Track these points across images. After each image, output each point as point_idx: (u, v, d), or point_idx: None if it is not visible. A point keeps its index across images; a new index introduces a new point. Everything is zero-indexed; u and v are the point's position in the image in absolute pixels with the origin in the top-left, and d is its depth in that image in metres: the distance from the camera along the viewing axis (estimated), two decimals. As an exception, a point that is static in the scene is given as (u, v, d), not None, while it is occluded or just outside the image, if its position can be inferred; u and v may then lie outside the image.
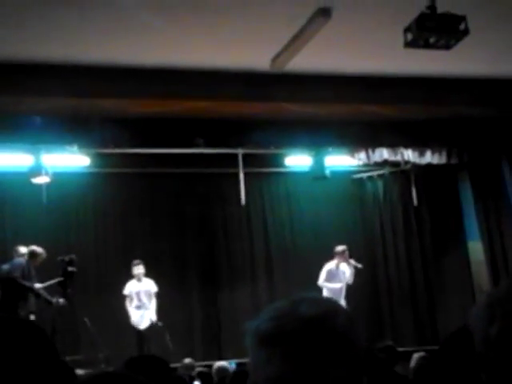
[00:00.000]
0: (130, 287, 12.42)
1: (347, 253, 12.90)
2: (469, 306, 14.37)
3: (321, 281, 12.80)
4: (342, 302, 12.21)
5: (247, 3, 8.25)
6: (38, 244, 11.43)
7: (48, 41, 8.94)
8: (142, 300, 12.32)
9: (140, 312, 12.31)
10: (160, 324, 12.28)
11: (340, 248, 12.90)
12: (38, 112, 10.48)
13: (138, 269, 12.40)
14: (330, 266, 12.87)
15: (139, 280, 12.40)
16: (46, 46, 9.10)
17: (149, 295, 12.39)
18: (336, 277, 12.80)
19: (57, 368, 1.73)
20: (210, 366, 9.12)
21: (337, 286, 12.73)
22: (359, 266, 12.86)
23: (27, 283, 10.85)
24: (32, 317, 10.73)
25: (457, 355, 2.28)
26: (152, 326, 12.30)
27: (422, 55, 8.66)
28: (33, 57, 9.35)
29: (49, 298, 10.83)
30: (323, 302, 1.44)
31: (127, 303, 12.39)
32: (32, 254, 11.18)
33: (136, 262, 12.47)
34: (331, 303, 1.45)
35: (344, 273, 12.81)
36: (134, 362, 3.29)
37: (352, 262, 12.86)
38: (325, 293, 12.53)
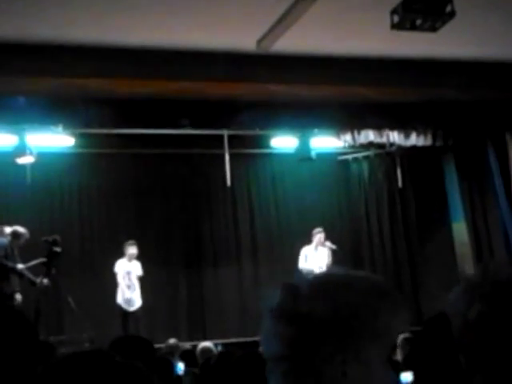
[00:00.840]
0: (121, 266, 12.34)
1: (323, 235, 13.00)
2: (453, 288, 14.43)
3: (300, 264, 12.89)
4: None
5: (233, -17, 8.22)
6: (22, 224, 11.37)
7: (33, 20, 8.86)
8: (131, 280, 12.29)
9: (131, 292, 12.27)
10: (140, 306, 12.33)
11: (315, 231, 13.00)
12: (22, 92, 10.41)
13: (133, 249, 12.36)
14: (307, 249, 12.97)
15: (130, 260, 12.37)
16: (31, 26, 9.02)
17: (136, 277, 12.37)
18: (314, 259, 12.87)
19: (35, 348, 1.73)
20: (195, 347, 9.15)
21: (315, 268, 12.79)
22: (334, 247, 12.93)
23: (10, 263, 10.81)
24: (18, 296, 10.71)
25: (436, 340, 2.30)
26: (140, 309, 12.31)
27: (408, 37, 8.66)
28: (17, 36, 9.27)
29: (32, 278, 10.79)
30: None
31: (119, 278, 12.29)
32: (15, 235, 11.11)
33: (131, 242, 12.42)
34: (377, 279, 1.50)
35: (321, 255, 12.88)
36: (119, 342, 3.30)
37: (328, 244, 12.94)
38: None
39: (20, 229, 11.19)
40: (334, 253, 12.96)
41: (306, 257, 12.93)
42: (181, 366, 7.23)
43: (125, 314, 12.23)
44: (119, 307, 12.25)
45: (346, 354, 1.36)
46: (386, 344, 1.39)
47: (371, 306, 1.38)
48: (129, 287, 12.26)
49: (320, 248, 12.97)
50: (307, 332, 1.37)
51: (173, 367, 4.56)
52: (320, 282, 1.44)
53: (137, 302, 12.28)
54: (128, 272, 12.28)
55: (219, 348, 8.95)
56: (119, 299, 12.25)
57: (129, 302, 12.23)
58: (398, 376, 4.82)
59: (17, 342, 1.73)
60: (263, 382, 1.43)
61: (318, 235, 13.00)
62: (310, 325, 1.37)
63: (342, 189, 15.21)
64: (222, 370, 3.59)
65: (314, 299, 1.39)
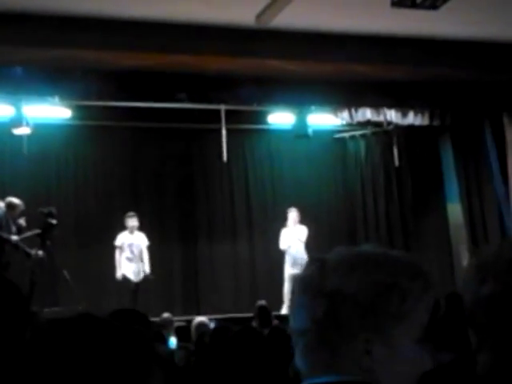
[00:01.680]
0: (123, 239, 12.34)
1: (295, 214, 13.10)
2: (446, 268, 14.59)
3: (281, 245, 13.05)
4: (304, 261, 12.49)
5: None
6: (18, 195, 11.35)
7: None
8: (134, 252, 12.28)
9: (132, 265, 12.28)
10: (151, 277, 12.34)
11: (289, 210, 13.16)
12: (19, 62, 10.35)
13: (133, 221, 12.36)
14: (285, 230, 13.10)
15: (131, 232, 12.37)
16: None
17: (140, 248, 12.38)
18: (292, 238, 12.97)
19: (24, 317, 1.73)
20: (189, 321, 9.17)
21: (293, 247, 12.91)
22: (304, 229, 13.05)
23: (4, 234, 10.79)
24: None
25: (447, 317, 2.30)
26: (145, 279, 12.33)
27: (408, 15, 8.62)
28: (17, 6, 9.20)
29: (27, 249, 10.78)
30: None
31: (117, 254, 12.31)
32: (10, 206, 11.07)
33: (131, 214, 12.42)
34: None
35: (299, 232, 12.98)
36: (115, 314, 3.30)
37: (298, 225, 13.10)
38: (287, 255, 12.84)
39: (15, 200, 11.16)
40: (313, 230, 13.03)
41: (284, 237, 13.03)
42: (173, 341, 7.27)
43: (134, 286, 12.24)
44: (123, 279, 12.23)
45: (370, 332, 1.35)
46: (415, 324, 1.38)
47: (400, 287, 1.38)
48: (130, 260, 12.26)
49: (298, 226, 13.03)
50: (331, 307, 1.36)
51: (165, 341, 4.57)
52: (349, 258, 1.43)
53: (141, 273, 12.30)
54: (130, 244, 12.28)
55: (212, 324, 8.96)
56: (122, 271, 12.23)
57: (135, 273, 12.24)
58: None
59: (5, 311, 1.72)
60: (259, 356, 1.44)
61: (290, 214, 13.08)
62: (333, 300, 1.37)
63: (338, 167, 15.21)
64: (218, 345, 3.59)
65: (340, 275, 1.39)
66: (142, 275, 12.28)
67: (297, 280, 1.46)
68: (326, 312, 1.36)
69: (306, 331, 1.39)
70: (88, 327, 1.25)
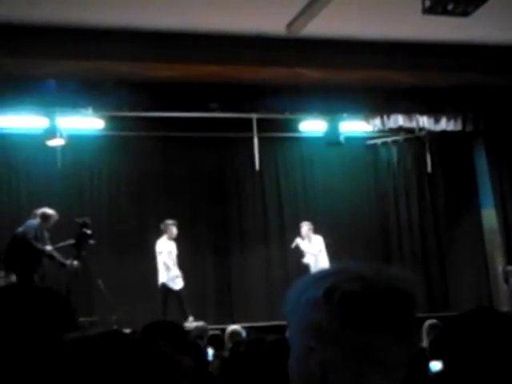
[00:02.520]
0: (163, 245, 12.42)
1: (307, 227, 13.17)
2: (481, 274, 14.48)
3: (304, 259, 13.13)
4: None
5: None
6: (52, 206, 11.44)
7: (63, 3, 8.90)
8: (174, 259, 12.38)
9: (174, 271, 12.36)
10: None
11: (301, 224, 13.27)
12: (53, 75, 10.47)
13: (175, 229, 12.46)
14: (300, 241, 13.18)
15: (170, 239, 12.46)
16: (61, 9, 9.06)
17: (175, 256, 12.46)
18: (308, 249, 13.08)
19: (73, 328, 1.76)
20: (222, 330, 9.18)
21: (311, 258, 12.99)
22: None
23: (39, 245, 10.88)
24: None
25: (475, 332, 2.29)
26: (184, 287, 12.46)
27: (439, 21, 8.58)
28: (48, 19, 9.32)
29: (62, 260, 10.87)
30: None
31: (159, 261, 12.37)
32: (44, 216, 11.16)
33: (173, 221, 12.51)
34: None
35: (316, 244, 13.05)
36: (150, 327, 3.33)
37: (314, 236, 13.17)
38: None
39: (49, 210, 11.25)
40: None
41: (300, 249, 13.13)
42: (210, 351, 7.27)
43: (166, 293, 12.30)
44: (162, 286, 12.29)
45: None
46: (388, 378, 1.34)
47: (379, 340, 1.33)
48: (172, 266, 12.33)
49: (313, 237, 13.10)
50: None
51: (203, 353, 4.58)
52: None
53: (181, 280, 12.38)
54: (170, 251, 12.37)
55: (244, 332, 8.98)
56: (163, 278, 12.29)
57: (175, 279, 12.31)
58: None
59: (56, 322, 1.75)
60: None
61: (303, 228, 13.16)
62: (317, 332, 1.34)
63: (370, 173, 15.15)
64: (253, 354, 3.60)
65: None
66: (182, 283, 12.35)
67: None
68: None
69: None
70: (110, 347, 1.27)
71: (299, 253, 13.80)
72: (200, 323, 10.20)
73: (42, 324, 1.70)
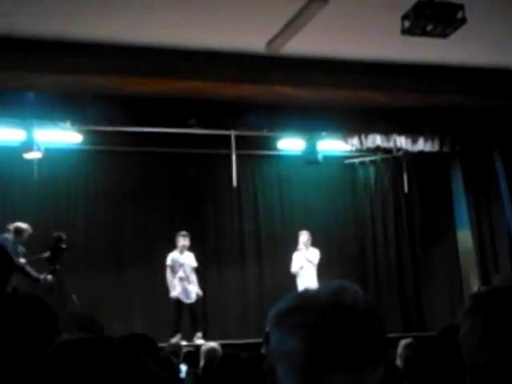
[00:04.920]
0: (175, 258, 12.39)
1: (305, 237, 13.04)
2: (456, 295, 14.53)
3: (292, 268, 12.98)
4: (315, 284, 12.52)
5: (245, -15, 8.21)
6: (28, 220, 11.37)
7: (44, 17, 8.87)
8: (186, 272, 12.33)
9: (185, 284, 12.31)
10: (200, 297, 12.51)
11: (300, 233, 13.12)
12: (31, 88, 10.43)
13: (185, 240, 12.44)
14: (298, 253, 13.03)
15: (182, 252, 12.42)
16: (41, 22, 9.03)
17: (191, 268, 12.43)
18: (305, 261, 12.95)
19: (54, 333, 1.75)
20: (197, 347, 9.14)
21: (305, 270, 12.89)
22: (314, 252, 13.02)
23: (15, 259, 10.77)
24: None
25: (447, 351, 2.29)
26: (198, 300, 12.44)
27: (418, 43, 8.65)
28: (27, 32, 9.28)
29: (36, 275, 10.77)
30: (337, 282, 1.43)
31: (168, 274, 12.33)
32: (17, 231, 11.05)
33: (184, 233, 12.49)
34: (346, 283, 1.45)
35: (312, 256, 12.94)
36: (124, 340, 3.30)
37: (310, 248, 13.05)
38: (298, 278, 12.81)
39: (22, 225, 11.15)
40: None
41: (296, 261, 12.99)
42: (183, 368, 7.23)
43: (180, 307, 12.27)
44: (175, 300, 12.27)
45: None
46: None
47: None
48: (182, 279, 12.28)
49: (310, 249, 12.99)
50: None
51: (176, 369, 4.55)
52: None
53: (193, 294, 12.35)
54: (181, 264, 12.33)
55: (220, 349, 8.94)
56: (174, 293, 12.25)
57: (186, 293, 12.27)
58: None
59: (37, 325, 1.74)
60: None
61: (301, 237, 13.04)
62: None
63: (347, 192, 15.20)
64: (226, 371, 3.59)
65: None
66: (194, 296, 12.36)
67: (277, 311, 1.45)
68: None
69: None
70: (97, 350, 1.27)
71: (275, 270, 13.80)
72: (174, 340, 10.15)
73: (26, 329, 1.69)
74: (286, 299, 1.40)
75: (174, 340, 10.14)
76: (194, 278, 12.48)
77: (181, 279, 12.29)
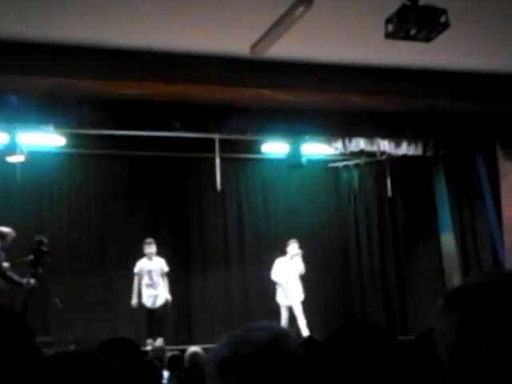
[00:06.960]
0: (142, 265, 12.42)
1: (296, 246, 13.10)
2: (439, 298, 14.46)
3: (273, 275, 13.07)
4: (301, 294, 12.65)
5: (229, -12, 8.20)
6: (11, 223, 11.32)
7: (27, 19, 8.82)
8: (153, 279, 12.35)
9: (151, 291, 12.31)
10: (169, 302, 12.51)
11: (290, 241, 13.16)
12: (14, 90, 10.37)
13: (151, 248, 12.47)
14: (281, 260, 13.10)
15: (150, 259, 12.41)
16: (24, 24, 8.98)
17: (160, 274, 12.42)
18: (287, 270, 13.00)
19: (28, 349, 1.72)
20: (182, 351, 9.11)
21: (286, 279, 12.93)
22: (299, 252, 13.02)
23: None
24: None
25: (424, 355, 2.29)
26: (165, 305, 12.44)
27: (402, 46, 8.66)
28: (10, 34, 9.23)
29: (19, 280, 10.71)
30: (273, 327, 1.50)
31: (135, 282, 12.36)
32: (0, 235, 11.02)
33: (149, 240, 12.53)
34: (280, 329, 1.51)
35: (294, 265, 12.99)
36: (106, 344, 3.28)
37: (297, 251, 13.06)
38: (278, 287, 12.91)
39: (4, 229, 11.10)
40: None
41: (278, 268, 13.01)
42: (165, 374, 7.20)
43: (150, 313, 12.31)
44: (142, 307, 12.32)
45: None
46: None
47: None
48: (149, 286, 12.29)
49: (294, 258, 12.99)
50: None
51: (159, 374, 4.53)
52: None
53: (161, 299, 12.35)
54: (149, 271, 12.34)
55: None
56: (135, 300, 12.30)
57: (153, 299, 12.29)
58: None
59: (14, 343, 1.72)
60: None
61: (291, 246, 13.05)
62: None
63: (331, 196, 15.24)
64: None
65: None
66: (162, 302, 12.34)
67: (211, 361, 1.51)
68: None
69: None
70: (81, 367, 1.26)
71: (260, 274, 13.79)
72: (158, 343, 10.12)
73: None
74: (226, 344, 1.47)
75: (158, 344, 10.12)
76: (163, 283, 12.47)
77: (147, 286, 12.30)
